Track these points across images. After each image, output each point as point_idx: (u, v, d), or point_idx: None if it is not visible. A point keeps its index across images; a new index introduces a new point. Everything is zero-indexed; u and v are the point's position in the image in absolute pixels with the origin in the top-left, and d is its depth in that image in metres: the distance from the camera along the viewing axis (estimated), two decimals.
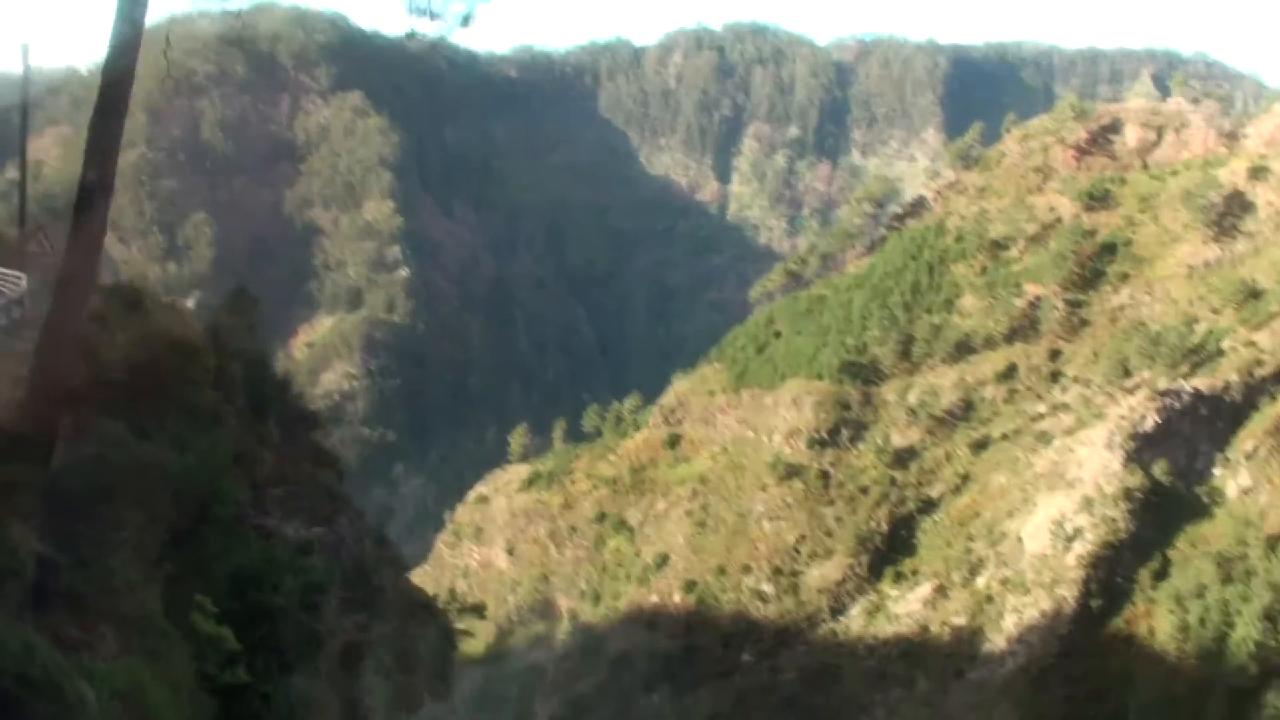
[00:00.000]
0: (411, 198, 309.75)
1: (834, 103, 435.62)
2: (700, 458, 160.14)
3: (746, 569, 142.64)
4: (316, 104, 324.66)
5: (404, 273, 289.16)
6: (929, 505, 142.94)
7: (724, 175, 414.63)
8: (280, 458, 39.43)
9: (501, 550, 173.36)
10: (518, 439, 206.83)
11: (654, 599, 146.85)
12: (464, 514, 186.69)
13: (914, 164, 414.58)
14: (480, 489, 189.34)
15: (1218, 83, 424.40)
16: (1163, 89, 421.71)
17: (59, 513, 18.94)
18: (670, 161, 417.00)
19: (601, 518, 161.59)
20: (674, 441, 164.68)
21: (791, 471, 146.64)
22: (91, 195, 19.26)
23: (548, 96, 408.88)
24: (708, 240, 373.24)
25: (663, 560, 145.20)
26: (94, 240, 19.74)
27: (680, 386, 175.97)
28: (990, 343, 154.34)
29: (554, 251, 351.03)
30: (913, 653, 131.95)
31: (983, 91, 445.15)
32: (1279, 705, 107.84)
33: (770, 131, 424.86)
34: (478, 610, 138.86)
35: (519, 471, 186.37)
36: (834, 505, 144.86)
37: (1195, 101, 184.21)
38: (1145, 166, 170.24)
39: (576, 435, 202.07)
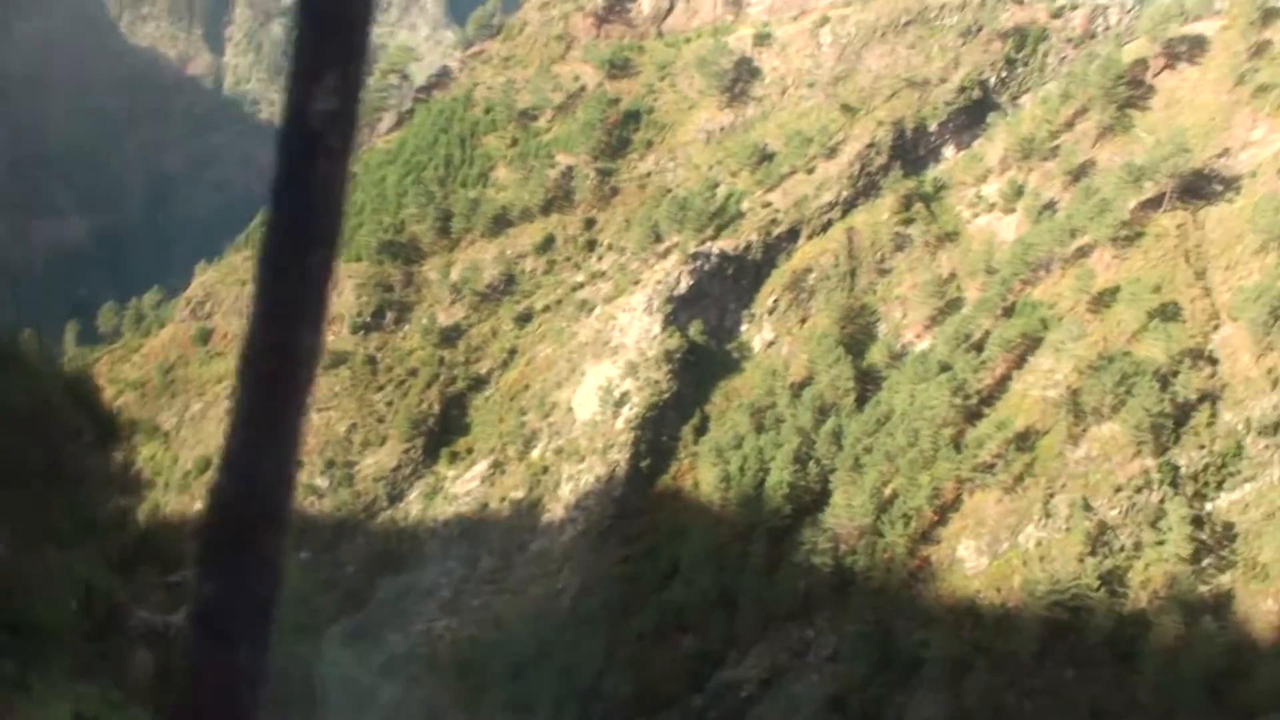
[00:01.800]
0: None
1: None
2: (232, 353, 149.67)
3: (299, 464, 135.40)
4: None
5: None
6: (479, 383, 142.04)
7: (217, 46, 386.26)
8: None
9: None
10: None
11: (199, 506, 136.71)
12: None
13: (416, 32, 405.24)
14: None
15: None
16: None
17: None
18: (156, 32, 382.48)
19: (132, 425, 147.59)
20: (205, 337, 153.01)
21: (336, 359, 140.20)
22: None
23: None
24: (204, 118, 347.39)
25: (205, 465, 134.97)
26: None
27: (206, 277, 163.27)
28: (527, 215, 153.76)
29: (31, 134, 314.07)
30: (474, 530, 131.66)
31: None
32: (813, 539, 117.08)
33: None
34: None
35: None
36: (384, 390, 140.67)
37: None
38: (661, 34, 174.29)
39: (91, 338, 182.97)
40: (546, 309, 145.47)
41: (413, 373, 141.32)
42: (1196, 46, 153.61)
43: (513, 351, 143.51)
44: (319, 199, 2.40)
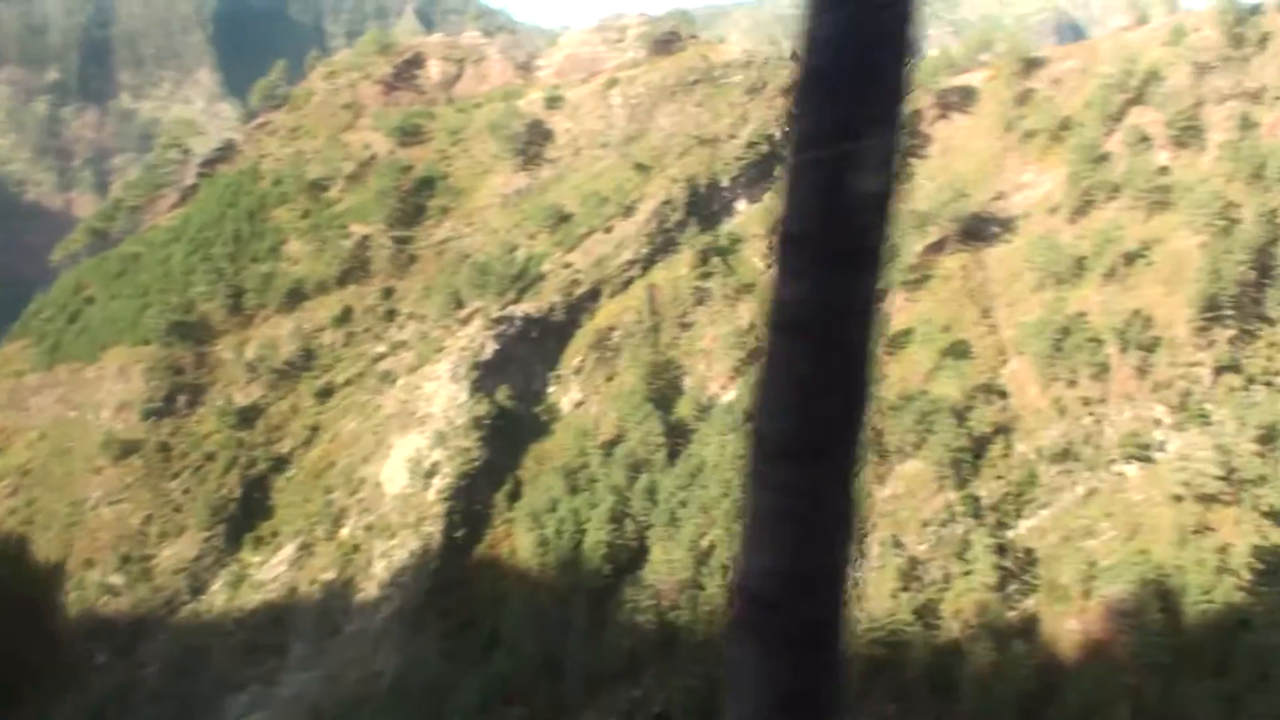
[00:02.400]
0: None
1: (95, 43, 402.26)
2: (15, 448, 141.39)
3: (89, 563, 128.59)
4: None
5: None
6: (281, 463, 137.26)
7: None
8: None
9: None
10: None
11: None
12: None
13: (191, 106, 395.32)
14: None
15: (474, 16, 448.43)
16: (427, 23, 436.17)
17: None
18: None
19: None
20: None
21: (127, 449, 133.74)
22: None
23: None
24: None
25: None
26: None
27: None
28: (323, 287, 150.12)
29: None
30: (283, 618, 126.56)
31: (252, 29, 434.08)
32: (635, 598, 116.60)
33: (25, 76, 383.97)
34: None
35: None
36: (179, 478, 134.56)
37: (489, 35, 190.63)
38: (451, 100, 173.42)
39: None
40: (348, 382, 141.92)
41: (210, 457, 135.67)
42: (967, 96, 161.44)
43: (315, 428, 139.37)
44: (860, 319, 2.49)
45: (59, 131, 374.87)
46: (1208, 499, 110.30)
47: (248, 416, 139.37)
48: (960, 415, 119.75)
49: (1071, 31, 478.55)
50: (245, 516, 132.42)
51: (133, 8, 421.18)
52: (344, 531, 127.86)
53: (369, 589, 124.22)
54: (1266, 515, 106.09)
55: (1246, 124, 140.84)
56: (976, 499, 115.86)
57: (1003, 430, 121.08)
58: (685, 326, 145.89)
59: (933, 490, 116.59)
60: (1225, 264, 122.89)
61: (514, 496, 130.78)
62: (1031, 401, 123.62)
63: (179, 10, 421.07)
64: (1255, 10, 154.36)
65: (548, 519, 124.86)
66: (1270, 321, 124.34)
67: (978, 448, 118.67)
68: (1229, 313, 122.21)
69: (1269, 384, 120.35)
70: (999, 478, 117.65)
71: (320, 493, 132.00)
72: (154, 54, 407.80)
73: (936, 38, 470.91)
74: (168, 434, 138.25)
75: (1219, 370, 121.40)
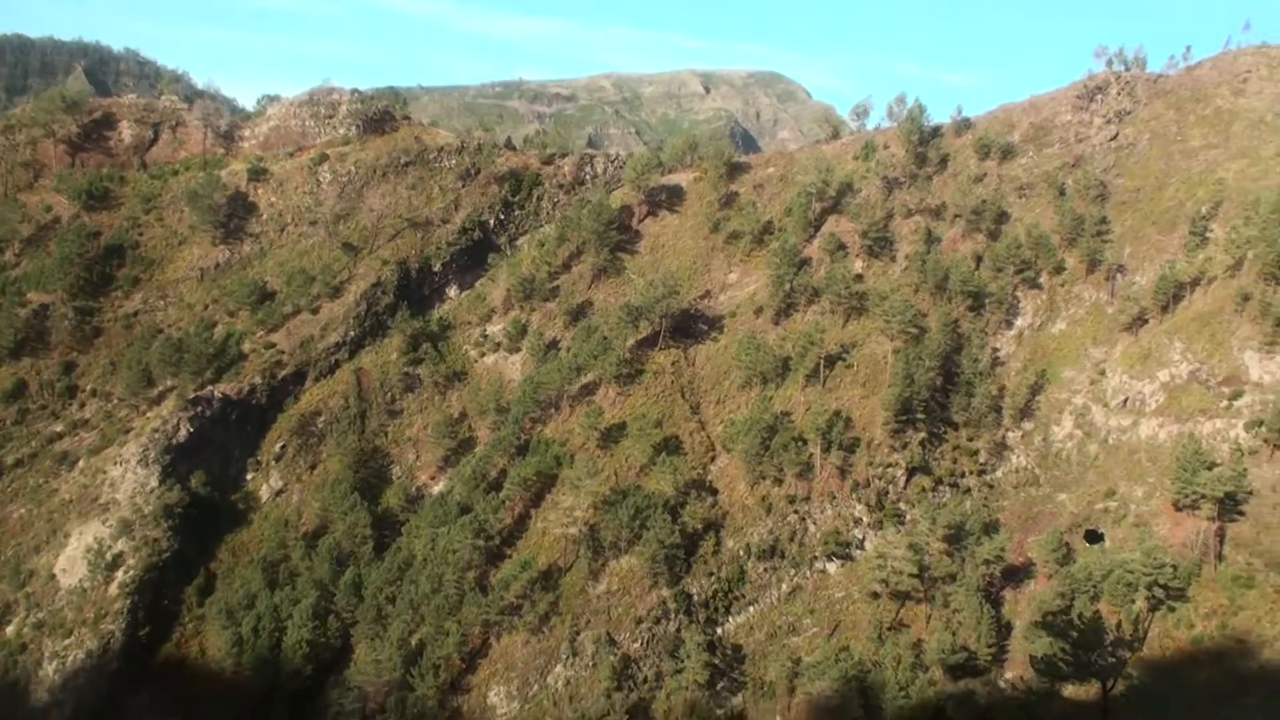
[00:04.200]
0: None
1: None
2: None
3: None
4: None
5: None
6: None
7: None
8: None
9: None
10: None
11: None
12: None
13: None
14: None
15: (151, 82, 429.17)
16: (98, 84, 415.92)
17: None
18: None
19: None
20: None
21: None
22: None
23: None
24: None
25: None
26: None
27: None
28: None
29: None
30: None
31: None
32: (339, 700, 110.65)
33: None
34: None
35: None
36: None
37: (188, 100, 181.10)
38: (144, 165, 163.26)
39: None
40: (19, 463, 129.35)
41: None
42: (675, 195, 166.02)
43: None
44: None
45: None
46: (902, 595, 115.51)
47: None
48: (674, 511, 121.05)
49: (744, 139, 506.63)
50: None
51: None
52: (9, 629, 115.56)
53: (38, 694, 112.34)
54: (956, 612, 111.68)
55: (930, 238, 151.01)
56: (689, 595, 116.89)
57: (713, 526, 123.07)
58: (393, 414, 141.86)
59: (646, 587, 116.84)
60: (917, 369, 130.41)
61: (206, 591, 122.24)
62: (740, 498, 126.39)
63: None
64: (936, 132, 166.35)
65: (244, 616, 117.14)
66: (954, 426, 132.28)
67: (690, 544, 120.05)
68: (920, 416, 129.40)
69: (954, 485, 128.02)
70: (710, 574, 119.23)
71: None
72: None
73: (619, 137, 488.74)
74: None
75: (911, 471, 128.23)
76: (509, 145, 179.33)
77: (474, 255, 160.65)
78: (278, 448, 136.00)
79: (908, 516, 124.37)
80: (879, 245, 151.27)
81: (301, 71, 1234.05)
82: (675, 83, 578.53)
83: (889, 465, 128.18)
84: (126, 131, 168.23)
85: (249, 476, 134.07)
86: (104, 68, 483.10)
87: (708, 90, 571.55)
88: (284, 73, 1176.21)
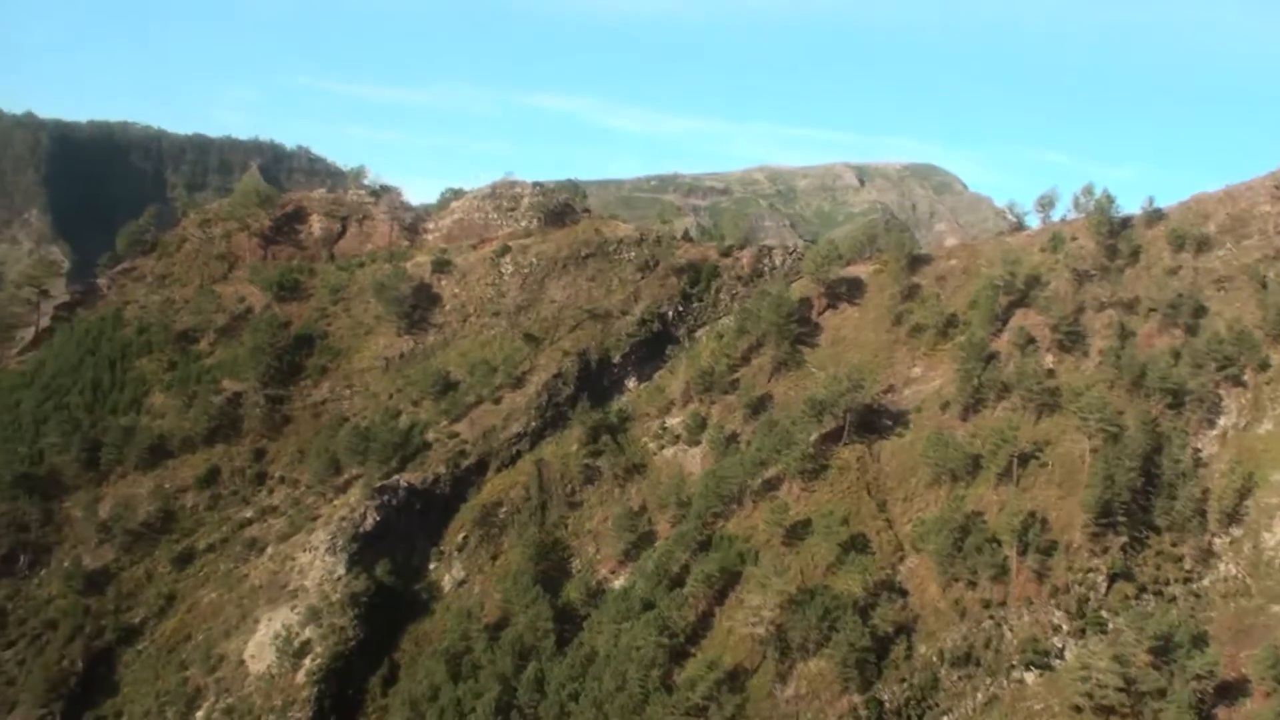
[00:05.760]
0: None
1: None
2: None
3: None
4: None
5: None
6: (131, 634, 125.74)
7: None
8: None
9: None
10: None
11: None
12: None
13: (17, 246, 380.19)
14: None
15: (321, 179, 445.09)
16: (271, 180, 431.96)
17: None
18: None
19: None
20: None
21: None
22: None
23: None
24: None
25: None
26: None
27: None
28: (189, 444, 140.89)
29: None
30: None
31: (88, 172, 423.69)
32: None
33: None
34: None
35: None
36: (15, 646, 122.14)
37: (375, 194, 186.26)
38: (333, 257, 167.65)
39: None
40: (211, 548, 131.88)
41: (51, 625, 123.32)
42: (854, 288, 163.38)
43: (171, 597, 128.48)
44: None
45: None
46: (1107, 710, 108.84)
47: (97, 581, 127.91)
48: (863, 613, 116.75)
49: (897, 230, 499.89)
50: (87, 693, 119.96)
51: None
52: (199, 714, 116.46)
53: None
54: None
55: (1124, 332, 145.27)
56: (880, 702, 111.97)
57: (904, 630, 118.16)
58: (573, 505, 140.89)
59: (836, 692, 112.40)
60: (1116, 470, 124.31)
61: (390, 681, 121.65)
62: (932, 601, 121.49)
63: (12, 148, 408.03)
64: (1126, 224, 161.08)
65: (428, 708, 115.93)
66: (1157, 530, 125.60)
67: (880, 648, 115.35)
68: (1121, 519, 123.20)
69: (1159, 593, 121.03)
70: (902, 680, 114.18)
71: (174, 669, 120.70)
72: None
73: (774, 229, 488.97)
74: (5, 596, 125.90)
75: (1113, 577, 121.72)
76: (686, 237, 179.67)
77: (652, 347, 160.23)
78: (460, 538, 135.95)
79: (1110, 625, 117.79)
80: (1070, 339, 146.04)
81: (457, 168, 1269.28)
82: (829, 175, 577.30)
83: (1089, 570, 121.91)
84: (316, 225, 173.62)
85: (432, 566, 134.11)
86: (277, 165, 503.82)
87: (862, 183, 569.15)
88: (441, 169, 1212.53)
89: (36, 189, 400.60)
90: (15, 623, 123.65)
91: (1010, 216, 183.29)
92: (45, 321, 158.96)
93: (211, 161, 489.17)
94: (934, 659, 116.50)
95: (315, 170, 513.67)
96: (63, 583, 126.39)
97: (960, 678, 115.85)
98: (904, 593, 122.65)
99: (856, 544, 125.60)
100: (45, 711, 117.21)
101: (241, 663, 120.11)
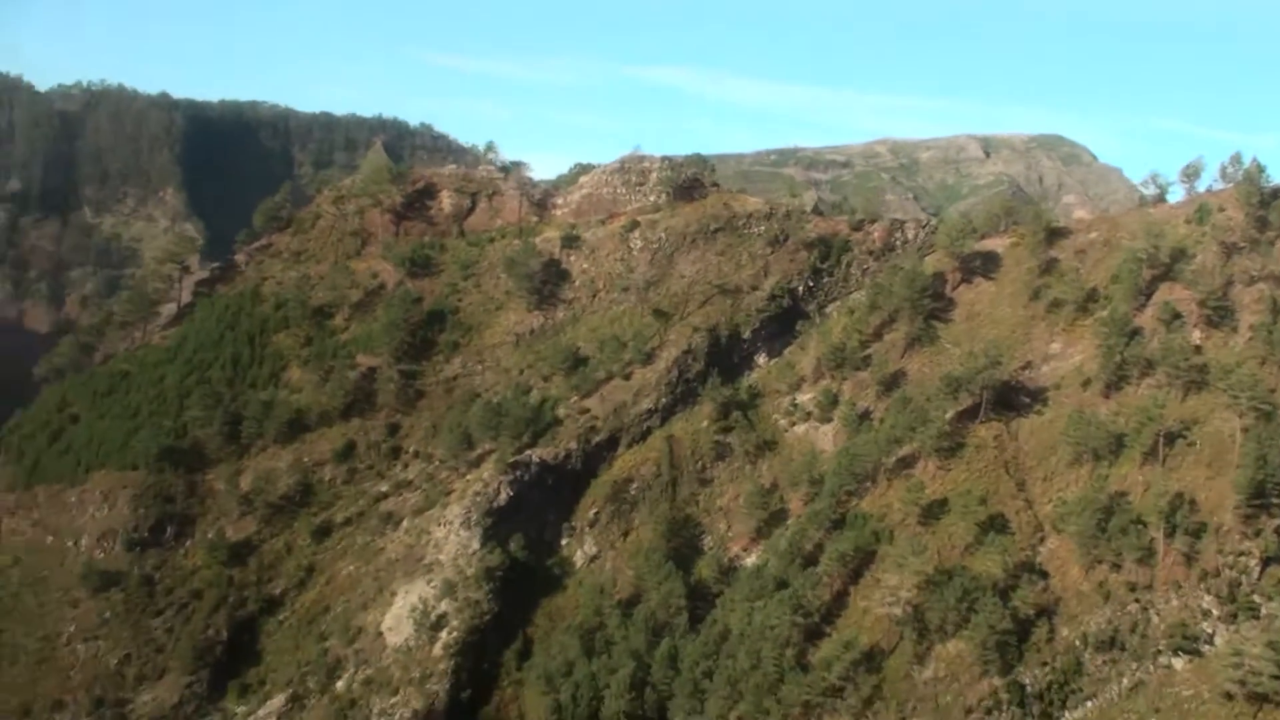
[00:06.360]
0: None
1: (60, 155, 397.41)
2: None
3: (59, 704, 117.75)
4: None
5: None
6: (273, 604, 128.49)
7: None
8: None
9: None
10: None
11: None
12: None
13: (153, 224, 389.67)
14: None
15: (444, 155, 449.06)
16: (395, 157, 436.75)
17: None
18: None
19: None
20: None
21: (108, 580, 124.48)
22: None
23: None
24: None
25: None
26: None
27: None
28: (325, 419, 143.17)
29: None
30: None
31: (220, 150, 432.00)
32: None
33: None
34: None
35: None
36: (163, 615, 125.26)
37: (504, 170, 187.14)
38: (463, 233, 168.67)
39: None
40: (348, 522, 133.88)
41: (197, 594, 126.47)
42: (990, 262, 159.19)
43: (310, 569, 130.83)
44: None
45: (17, 241, 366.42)
46: (1260, 698, 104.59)
47: (239, 553, 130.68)
48: (1003, 594, 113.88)
49: (1024, 203, 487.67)
50: (232, 661, 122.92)
51: (101, 121, 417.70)
52: (339, 684, 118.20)
53: None
54: None
55: (1276, 307, 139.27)
56: (1022, 686, 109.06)
57: (1046, 612, 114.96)
58: (704, 482, 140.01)
59: (976, 674, 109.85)
60: (1270, 450, 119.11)
61: (524, 655, 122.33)
62: (1074, 583, 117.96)
63: (149, 128, 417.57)
64: (1277, 195, 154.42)
65: (563, 683, 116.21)
66: None
67: (1021, 630, 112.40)
68: (1275, 501, 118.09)
69: None
70: (1044, 664, 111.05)
71: (314, 640, 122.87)
72: (119, 169, 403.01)
73: (896, 203, 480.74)
74: (152, 567, 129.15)
75: (1266, 561, 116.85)
76: (817, 211, 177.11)
77: (783, 322, 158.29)
78: (592, 513, 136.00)
79: (1263, 610, 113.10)
80: (1219, 314, 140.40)
81: (569, 142, 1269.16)
82: (953, 147, 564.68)
83: (1241, 554, 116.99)
84: (446, 201, 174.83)
85: (564, 542, 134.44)
86: (400, 142, 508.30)
87: (987, 154, 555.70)
88: (553, 144, 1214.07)
89: (171, 168, 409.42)
90: (163, 592, 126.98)
91: (1154, 187, 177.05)
92: (186, 297, 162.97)
93: (337, 139, 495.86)
94: (1077, 643, 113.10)
95: (437, 147, 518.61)
96: (207, 553, 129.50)
97: (1104, 662, 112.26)
98: (1045, 574, 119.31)
99: (995, 524, 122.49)
100: (193, 679, 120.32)
101: (379, 635, 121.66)
